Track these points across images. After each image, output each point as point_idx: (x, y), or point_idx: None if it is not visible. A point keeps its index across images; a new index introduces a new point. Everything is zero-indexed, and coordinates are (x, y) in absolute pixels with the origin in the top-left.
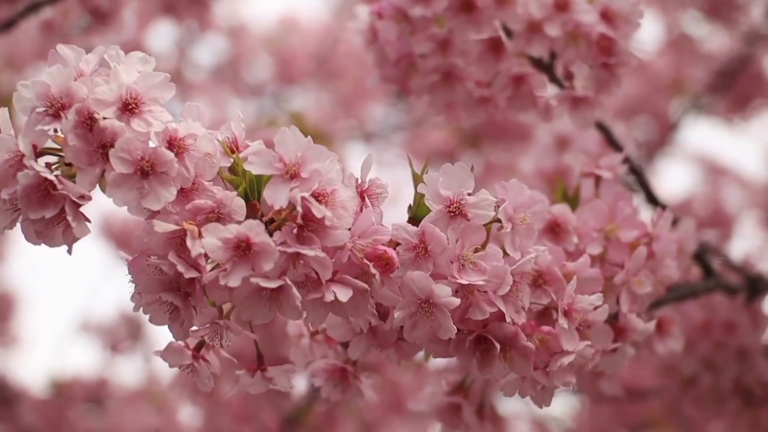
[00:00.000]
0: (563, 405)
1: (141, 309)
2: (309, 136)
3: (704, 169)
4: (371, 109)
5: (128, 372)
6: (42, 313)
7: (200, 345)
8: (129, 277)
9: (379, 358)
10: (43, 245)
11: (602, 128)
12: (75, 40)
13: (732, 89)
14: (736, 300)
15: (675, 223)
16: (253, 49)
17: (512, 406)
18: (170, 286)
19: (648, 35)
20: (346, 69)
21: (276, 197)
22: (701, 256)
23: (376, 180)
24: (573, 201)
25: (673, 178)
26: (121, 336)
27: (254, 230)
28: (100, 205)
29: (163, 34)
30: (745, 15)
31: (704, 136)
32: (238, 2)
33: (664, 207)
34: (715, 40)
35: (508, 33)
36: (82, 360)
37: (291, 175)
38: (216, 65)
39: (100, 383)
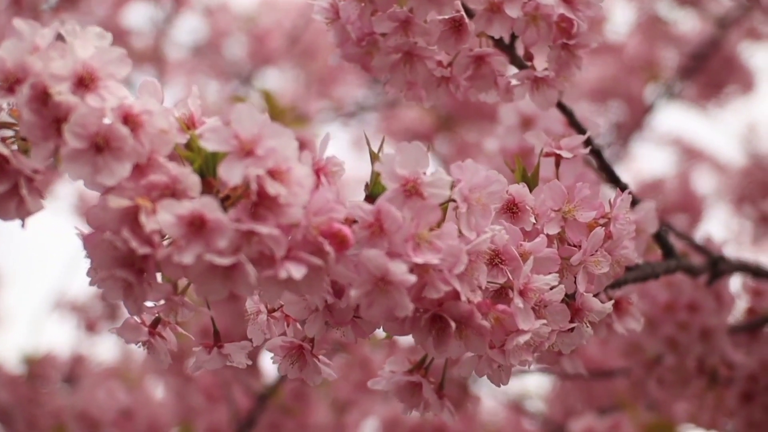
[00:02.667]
0: (538, 384)
1: (96, 284)
2: (266, 114)
3: (679, 152)
4: (348, 89)
5: (103, 351)
6: (18, 291)
7: (156, 321)
8: (84, 252)
9: (340, 336)
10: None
11: (564, 109)
12: (45, 17)
13: (704, 73)
14: (699, 281)
15: (636, 204)
16: (230, 29)
17: (488, 385)
18: (124, 262)
19: (620, 17)
20: (321, 48)
21: (230, 174)
22: (662, 237)
23: (332, 158)
24: (532, 181)
25: (648, 161)
26: (97, 314)
27: (208, 207)
28: (77, 185)
29: (141, 12)
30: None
31: (679, 120)
32: None
33: (624, 188)
34: (687, 22)
35: (469, 13)
36: (58, 338)
37: (246, 152)
38: (194, 44)
39: (74, 361)
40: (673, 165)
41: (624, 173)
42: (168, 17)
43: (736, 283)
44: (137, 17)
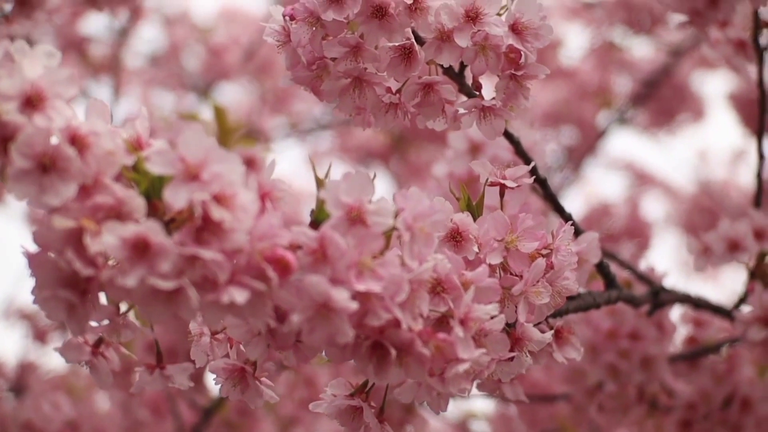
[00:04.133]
0: (484, 405)
1: (39, 303)
2: (213, 138)
3: (630, 177)
4: (305, 104)
5: (52, 360)
6: None
7: (99, 341)
8: (28, 270)
9: (282, 359)
10: None
11: (511, 138)
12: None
13: (655, 100)
14: (641, 310)
15: (579, 233)
16: (188, 40)
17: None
18: (68, 282)
19: (574, 42)
20: (277, 64)
21: (175, 198)
22: (604, 267)
23: (278, 182)
24: (476, 210)
25: (600, 184)
26: (46, 324)
27: (152, 230)
28: None
29: (99, 20)
30: (667, 29)
31: (631, 144)
32: None
33: (567, 218)
34: (640, 49)
35: (419, 41)
36: (6, 346)
37: (192, 176)
38: (152, 53)
39: (22, 370)
40: (625, 189)
41: (575, 196)
42: (125, 28)
43: (677, 312)
44: (95, 25)
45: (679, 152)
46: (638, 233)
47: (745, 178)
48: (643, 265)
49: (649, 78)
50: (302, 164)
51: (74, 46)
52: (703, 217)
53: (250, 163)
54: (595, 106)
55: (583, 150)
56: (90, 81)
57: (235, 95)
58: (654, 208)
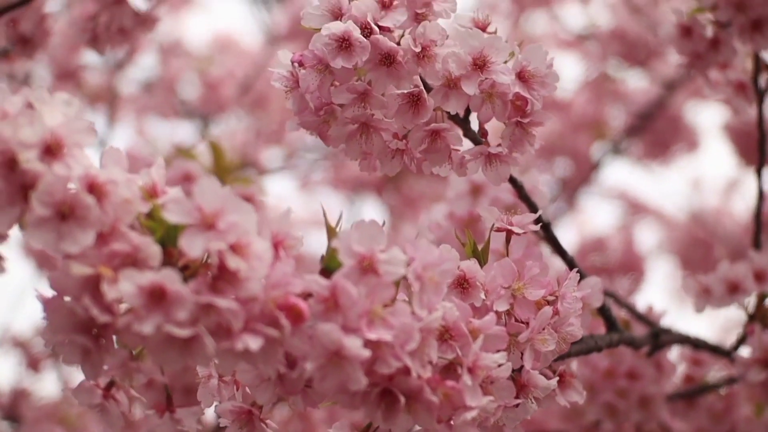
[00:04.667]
0: None
1: (53, 347)
2: (228, 187)
3: (624, 206)
4: (299, 134)
5: (45, 389)
6: None
7: (111, 384)
8: (43, 315)
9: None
10: None
11: (515, 182)
12: None
13: (650, 132)
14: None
15: (581, 277)
16: (184, 70)
17: None
18: (83, 327)
19: (569, 74)
20: (273, 96)
21: (192, 247)
22: (605, 310)
23: (290, 232)
24: (483, 255)
25: (594, 214)
26: (40, 351)
27: (169, 278)
28: None
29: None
30: (663, 62)
31: (625, 174)
32: (174, 19)
33: (571, 263)
34: (634, 81)
35: (426, 87)
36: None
37: (208, 225)
38: (147, 81)
39: (15, 397)
40: (618, 218)
41: (569, 227)
42: (121, 59)
43: (675, 350)
44: (90, 55)
45: (673, 181)
46: (633, 267)
47: (739, 207)
48: (641, 303)
49: (644, 110)
50: (294, 192)
51: (69, 75)
52: (696, 246)
53: (248, 202)
54: (589, 138)
55: (577, 181)
56: (86, 109)
57: (229, 125)
58: (648, 236)
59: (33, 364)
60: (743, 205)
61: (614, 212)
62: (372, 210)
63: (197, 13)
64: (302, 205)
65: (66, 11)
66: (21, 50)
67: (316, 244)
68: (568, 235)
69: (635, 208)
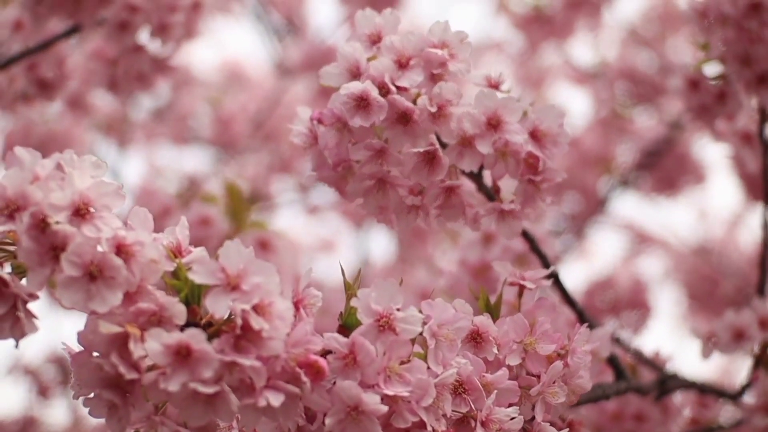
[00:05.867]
0: None
1: (80, 400)
2: (251, 249)
3: (631, 238)
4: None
5: (55, 417)
6: None
7: None
8: (72, 369)
9: None
10: None
11: (526, 236)
12: (19, 105)
13: (657, 168)
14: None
15: (591, 327)
16: (195, 99)
17: None
18: (110, 383)
19: (578, 110)
20: (284, 130)
21: (217, 307)
22: (614, 360)
23: (310, 291)
24: (495, 310)
25: (602, 245)
26: (50, 379)
27: (195, 338)
28: None
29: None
30: (672, 100)
31: (633, 204)
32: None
33: (581, 315)
34: (642, 118)
35: (441, 144)
36: (10, 401)
37: (232, 286)
38: (158, 108)
39: (25, 426)
40: (626, 249)
41: (577, 261)
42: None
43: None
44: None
45: (680, 213)
46: (640, 303)
47: (745, 239)
48: (648, 337)
49: (651, 147)
50: (305, 220)
51: (81, 104)
52: (702, 278)
53: (264, 246)
54: (597, 174)
55: (585, 216)
56: (97, 140)
57: (242, 158)
58: (654, 265)
59: (43, 391)
60: (749, 236)
61: (621, 243)
62: (380, 238)
63: (206, 41)
64: (310, 231)
65: (79, 43)
66: (40, 93)
67: (324, 269)
68: (576, 268)
69: (642, 239)
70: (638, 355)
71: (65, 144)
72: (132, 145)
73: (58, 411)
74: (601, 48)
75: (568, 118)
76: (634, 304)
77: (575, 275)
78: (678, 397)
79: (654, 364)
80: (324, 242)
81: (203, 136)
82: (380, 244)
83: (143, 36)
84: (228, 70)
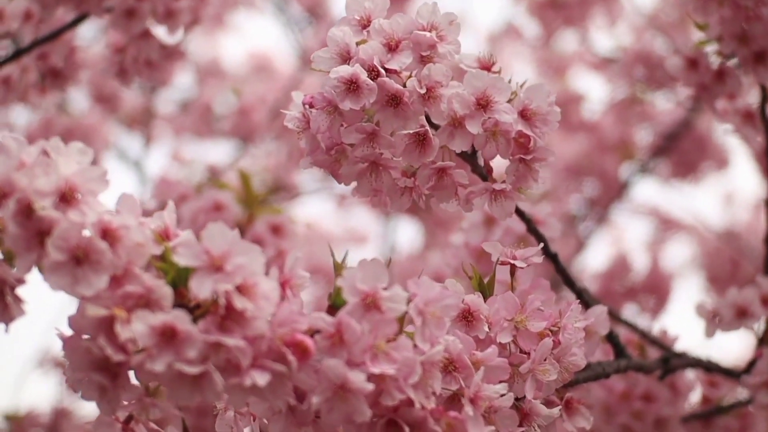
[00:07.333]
0: None
1: (72, 384)
2: (236, 230)
3: (655, 222)
4: None
5: (86, 409)
6: (1, 347)
7: (129, 418)
8: (64, 353)
9: None
10: None
11: (522, 216)
12: (32, 96)
13: (677, 152)
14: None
15: (589, 305)
16: (220, 90)
17: None
18: (99, 365)
19: (595, 95)
20: None
21: (200, 288)
22: (613, 337)
23: (297, 271)
24: (488, 288)
25: (626, 230)
26: None
27: (179, 319)
28: None
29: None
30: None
31: (657, 191)
32: (210, 40)
33: (579, 294)
34: (660, 101)
35: (432, 126)
36: (41, 394)
37: (216, 267)
38: (184, 101)
39: (57, 417)
40: (649, 234)
41: (602, 243)
42: (155, 86)
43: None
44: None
45: (703, 198)
46: (658, 287)
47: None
48: (667, 322)
49: (670, 130)
50: (331, 211)
51: (107, 98)
52: (724, 263)
53: (276, 231)
54: (616, 159)
55: (605, 201)
56: (122, 134)
57: (264, 148)
58: (677, 252)
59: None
60: None
61: (646, 229)
62: (406, 229)
63: (233, 35)
64: (339, 223)
65: (102, 37)
66: (52, 83)
67: (355, 261)
68: (600, 253)
69: (666, 224)
70: (644, 335)
71: (87, 137)
72: (156, 138)
73: (88, 403)
74: (618, 34)
75: (559, 117)
76: (653, 288)
77: (600, 261)
78: (689, 376)
79: (661, 344)
80: (355, 233)
81: (224, 127)
82: (407, 233)
83: (151, 23)
84: (255, 63)
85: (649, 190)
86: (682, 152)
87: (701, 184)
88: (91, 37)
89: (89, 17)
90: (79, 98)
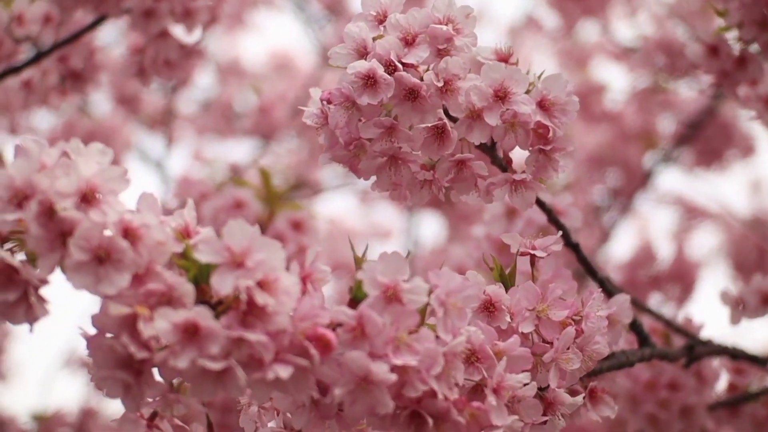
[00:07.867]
0: None
1: (96, 382)
2: (256, 226)
3: (681, 211)
4: None
5: (112, 408)
6: (29, 347)
7: (154, 415)
8: (88, 352)
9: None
10: (7, 323)
11: (543, 206)
12: (53, 98)
13: (701, 140)
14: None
15: (612, 294)
16: (241, 89)
17: None
18: (124, 363)
19: (617, 85)
20: None
21: (222, 285)
22: (637, 326)
23: (317, 266)
24: (509, 279)
25: (652, 219)
26: None
27: (202, 315)
28: None
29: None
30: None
31: (682, 180)
32: (231, 40)
33: (601, 283)
34: (683, 89)
35: (451, 119)
36: (68, 393)
37: (237, 263)
38: (206, 101)
39: (84, 417)
40: (675, 223)
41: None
42: (176, 85)
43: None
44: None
45: (729, 184)
46: (683, 276)
47: None
48: (693, 311)
49: (694, 119)
50: (354, 206)
51: (128, 100)
52: (749, 249)
53: (297, 227)
54: (640, 149)
55: (629, 191)
56: (144, 135)
57: (286, 146)
58: (704, 241)
59: None
60: None
61: (670, 218)
62: (430, 224)
63: (253, 34)
64: (362, 219)
65: (123, 39)
66: (73, 85)
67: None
68: (626, 243)
69: (692, 213)
70: (668, 324)
71: (109, 139)
72: (178, 139)
73: (115, 402)
74: (639, 23)
75: (578, 107)
76: (678, 277)
77: (625, 251)
78: (715, 364)
79: (685, 332)
80: (378, 229)
81: (245, 126)
82: (430, 227)
83: (170, 22)
84: (275, 62)
85: (674, 179)
86: (707, 140)
87: (726, 172)
88: (112, 40)
89: (108, 19)
90: (100, 100)
